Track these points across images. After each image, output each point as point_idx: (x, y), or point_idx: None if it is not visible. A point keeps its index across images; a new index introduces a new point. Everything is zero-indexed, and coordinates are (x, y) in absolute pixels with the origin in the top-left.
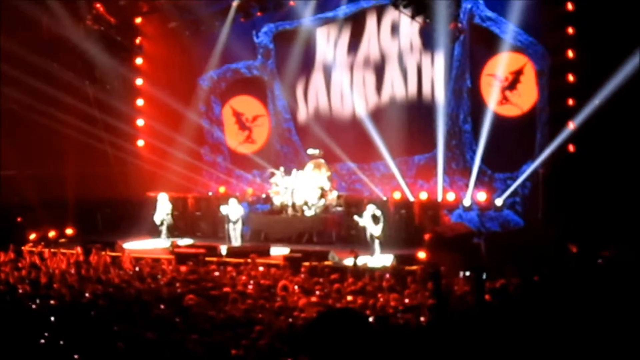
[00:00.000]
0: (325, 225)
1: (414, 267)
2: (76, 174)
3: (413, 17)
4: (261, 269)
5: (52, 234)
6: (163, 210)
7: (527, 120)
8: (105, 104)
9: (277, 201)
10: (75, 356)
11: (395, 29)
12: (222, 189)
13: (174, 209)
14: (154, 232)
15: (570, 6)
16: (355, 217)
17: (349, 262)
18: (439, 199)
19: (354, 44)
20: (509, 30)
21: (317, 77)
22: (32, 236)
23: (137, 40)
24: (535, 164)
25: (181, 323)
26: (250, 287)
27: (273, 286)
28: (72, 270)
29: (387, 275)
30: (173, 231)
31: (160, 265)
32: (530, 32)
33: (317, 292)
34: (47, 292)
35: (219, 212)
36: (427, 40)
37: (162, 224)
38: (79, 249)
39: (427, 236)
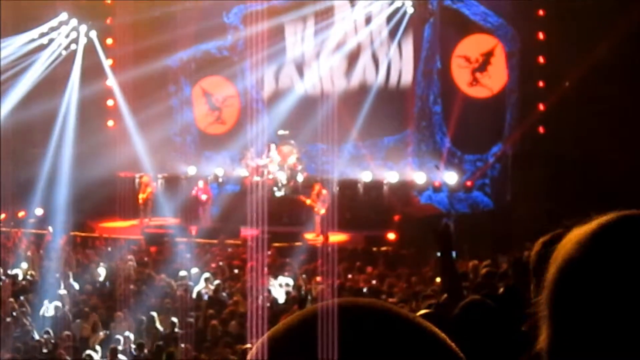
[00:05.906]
0: (295, 206)
1: (383, 248)
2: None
3: None
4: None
5: (21, 214)
6: (147, 190)
7: (497, 102)
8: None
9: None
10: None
11: (367, 11)
12: (191, 170)
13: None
14: (125, 212)
15: None
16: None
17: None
18: (409, 180)
19: (325, 26)
20: (479, 12)
21: (287, 58)
22: (2, 216)
23: (108, 21)
24: (504, 145)
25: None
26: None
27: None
28: (41, 251)
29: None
30: (152, 212)
31: (130, 246)
32: (500, 14)
33: (286, 273)
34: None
35: (189, 192)
36: (398, 23)
37: (145, 204)
38: (49, 229)
39: (396, 217)
